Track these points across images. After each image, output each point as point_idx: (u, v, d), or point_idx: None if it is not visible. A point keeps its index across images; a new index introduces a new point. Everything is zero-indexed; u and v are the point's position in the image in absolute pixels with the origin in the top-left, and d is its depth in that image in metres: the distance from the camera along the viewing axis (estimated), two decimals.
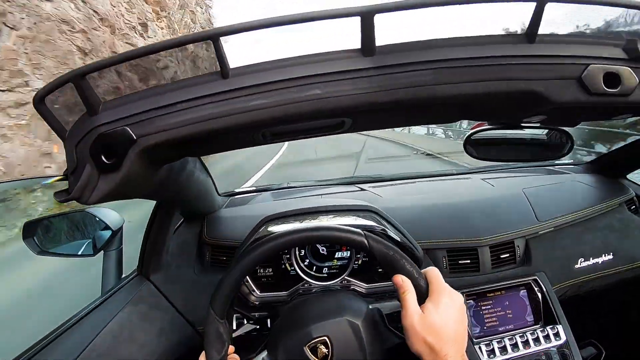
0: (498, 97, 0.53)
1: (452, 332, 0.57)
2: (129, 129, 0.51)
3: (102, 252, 1.13)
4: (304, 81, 0.50)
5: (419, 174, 1.52)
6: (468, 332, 0.95)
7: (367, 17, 0.47)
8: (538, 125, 0.91)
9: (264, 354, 0.65)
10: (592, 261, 1.13)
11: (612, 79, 0.50)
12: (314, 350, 0.61)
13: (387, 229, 0.92)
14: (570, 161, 1.56)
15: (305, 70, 0.50)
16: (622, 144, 1.34)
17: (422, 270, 0.64)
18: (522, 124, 0.88)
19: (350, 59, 0.50)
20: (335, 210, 0.99)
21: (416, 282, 0.61)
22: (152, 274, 1.06)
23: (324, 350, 0.61)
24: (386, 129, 0.83)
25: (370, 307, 0.66)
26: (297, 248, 0.98)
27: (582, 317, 1.21)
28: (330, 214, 0.98)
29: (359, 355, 0.61)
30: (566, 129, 0.97)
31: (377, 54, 0.50)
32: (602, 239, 1.16)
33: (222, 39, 0.49)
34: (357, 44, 0.51)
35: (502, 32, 0.54)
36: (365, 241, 0.62)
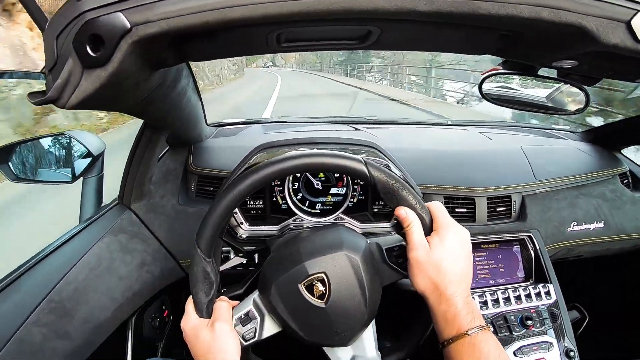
0: (543, 27, 0.49)
1: (458, 269, 0.55)
2: (122, 15, 0.43)
3: (81, 178, 1.06)
4: None
5: (415, 120, 1.49)
6: None
7: None
8: (555, 77, 0.88)
9: (255, 294, 0.61)
10: (584, 226, 1.13)
11: None
12: (310, 288, 0.57)
13: (389, 165, 0.88)
14: (567, 127, 1.55)
15: None
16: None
17: (426, 204, 0.60)
18: (540, 73, 0.84)
19: None
20: (334, 143, 0.94)
21: (420, 214, 0.58)
22: (133, 203, 0.99)
23: (321, 287, 0.56)
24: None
25: (368, 241, 0.62)
26: (290, 180, 0.94)
27: (568, 281, 1.21)
28: (329, 145, 0.93)
29: (357, 293, 0.57)
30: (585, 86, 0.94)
31: None
32: (595, 206, 1.16)
33: None
34: None
35: None
36: (366, 169, 0.58)
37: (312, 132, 1.27)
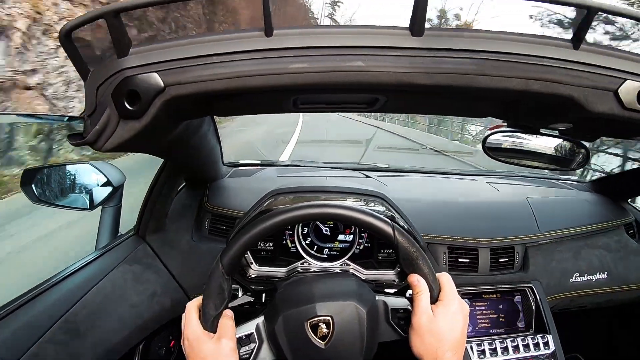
0: (535, 97, 0.53)
1: (455, 339, 0.58)
2: (157, 76, 0.49)
3: (99, 207, 1.11)
4: (348, 51, 0.49)
5: (425, 169, 1.52)
6: None
7: None
8: (557, 135, 0.91)
9: (260, 319, 0.64)
10: (586, 277, 1.14)
11: None
12: (315, 328, 0.59)
13: (395, 217, 0.91)
14: (575, 178, 1.57)
15: (351, 41, 0.49)
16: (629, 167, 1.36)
17: (437, 274, 0.64)
18: (542, 131, 0.88)
19: (397, 36, 0.49)
20: (343, 192, 0.98)
21: (431, 284, 0.61)
22: (149, 235, 1.04)
23: (325, 330, 0.59)
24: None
25: (377, 297, 0.65)
26: (300, 225, 0.97)
27: (569, 331, 1.22)
28: (339, 194, 0.97)
29: (357, 343, 0.60)
30: (584, 143, 0.97)
31: (425, 36, 0.49)
32: (599, 257, 1.17)
33: None
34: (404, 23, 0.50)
35: (549, 34, 0.54)
36: (392, 232, 0.62)
37: (324, 177, 1.31)
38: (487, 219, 1.13)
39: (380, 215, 0.63)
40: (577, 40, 0.50)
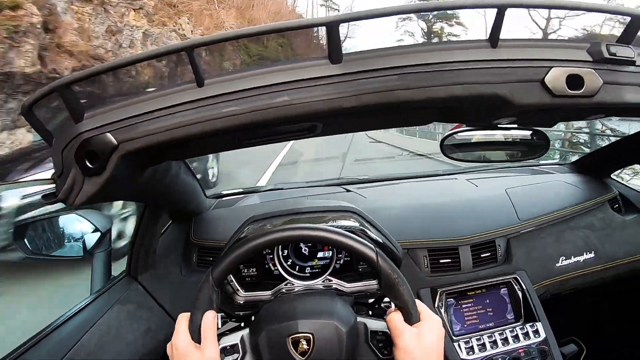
0: (463, 101, 0.55)
1: (438, 357, 0.61)
2: (110, 135, 0.54)
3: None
4: (274, 89, 0.53)
5: (405, 174, 1.54)
6: (448, 330, 0.97)
7: (332, 27, 0.50)
8: (515, 126, 0.93)
9: (245, 331, 0.66)
10: (573, 260, 1.15)
11: (575, 80, 0.52)
12: (296, 344, 0.62)
13: (366, 229, 0.94)
14: (555, 161, 1.58)
15: (274, 78, 0.53)
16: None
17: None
18: (499, 125, 0.90)
19: (318, 66, 0.53)
20: (316, 211, 1.01)
21: (410, 309, 0.63)
22: (140, 275, 1.08)
23: (305, 346, 0.62)
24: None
25: (358, 319, 0.67)
26: (280, 247, 1.00)
27: (565, 315, 1.23)
28: (312, 214, 1.00)
29: None
30: (542, 129, 0.99)
31: (344, 62, 0.52)
32: (583, 237, 1.18)
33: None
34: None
35: (466, 38, 0.57)
36: (375, 258, 0.64)
37: (305, 197, 1.34)
38: (466, 216, 1.15)
39: (364, 241, 0.65)
40: (494, 39, 0.52)
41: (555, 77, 0.52)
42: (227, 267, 0.64)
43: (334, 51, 0.52)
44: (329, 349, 0.62)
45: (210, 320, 0.63)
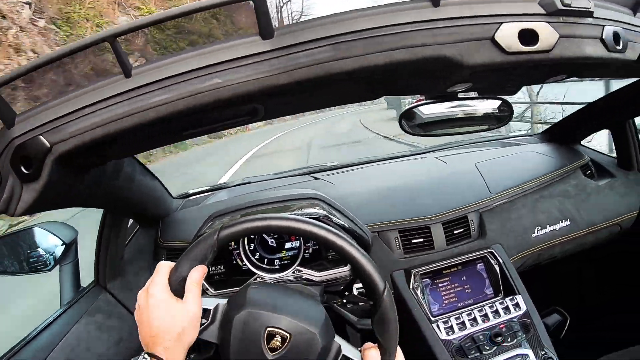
0: (407, 66, 0.51)
1: None
2: (42, 138, 0.51)
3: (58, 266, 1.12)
4: (204, 71, 0.49)
5: (373, 158, 1.52)
6: (427, 312, 0.95)
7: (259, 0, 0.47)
8: (476, 96, 0.91)
9: (223, 302, 0.62)
10: (549, 229, 1.14)
11: (528, 36, 0.49)
12: (270, 337, 0.58)
13: (331, 216, 0.91)
14: (525, 132, 1.56)
15: (204, 61, 0.50)
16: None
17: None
18: (459, 95, 0.88)
19: (249, 44, 0.49)
20: (280, 201, 0.98)
21: (392, 353, 0.61)
22: (108, 283, 1.04)
23: (278, 343, 0.58)
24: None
25: (336, 340, 0.63)
26: (246, 242, 0.98)
27: (546, 285, 1.22)
28: (276, 204, 0.97)
29: None
30: (506, 97, 0.97)
31: (276, 36, 0.49)
32: (558, 206, 1.17)
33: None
34: None
35: None
36: (382, 290, 0.59)
37: (272, 189, 1.31)
38: (436, 194, 1.13)
39: (377, 270, 0.60)
40: None
41: (507, 33, 0.48)
42: (237, 232, 0.59)
43: (264, 26, 0.48)
44: (299, 355, 0.59)
45: (199, 275, 0.58)
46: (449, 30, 0.48)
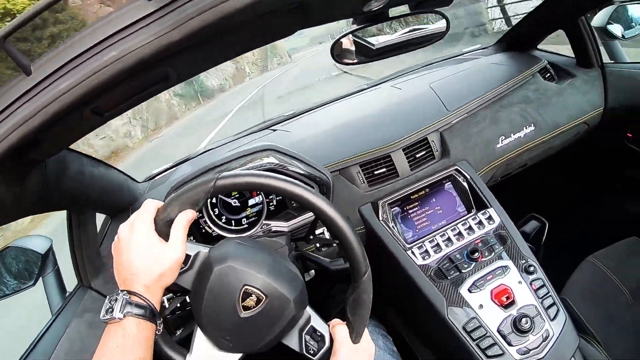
0: None
1: None
2: None
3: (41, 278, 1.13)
4: (98, 47, 0.48)
5: (329, 99, 1.48)
6: (400, 240, 0.95)
7: None
8: (407, 12, 0.88)
9: (205, 250, 0.61)
10: (514, 137, 1.13)
11: None
12: (246, 295, 0.57)
13: (286, 164, 0.90)
14: (478, 46, 1.52)
15: (97, 36, 0.48)
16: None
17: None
18: (390, 17, 0.85)
19: (136, 9, 0.48)
20: (233, 159, 0.97)
21: (359, 331, 0.62)
22: (92, 281, 1.05)
23: (252, 303, 0.57)
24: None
25: (307, 310, 0.63)
26: (209, 208, 0.97)
27: (520, 195, 1.21)
28: (229, 164, 0.96)
29: (268, 330, 0.59)
30: (440, 9, 0.93)
31: None
32: (519, 112, 1.15)
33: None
34: None
35: None
36: (364, 271, 0.59)
37: (232, 150, 1.29)
38: (393, 121, 1.11)
39: (363, 253, 0.59)
40: None
41: None
42: (232, 183, 0.56)
43: None
44: (271, 317, 0.58)
45: (188, 219, 0.56)
46: None
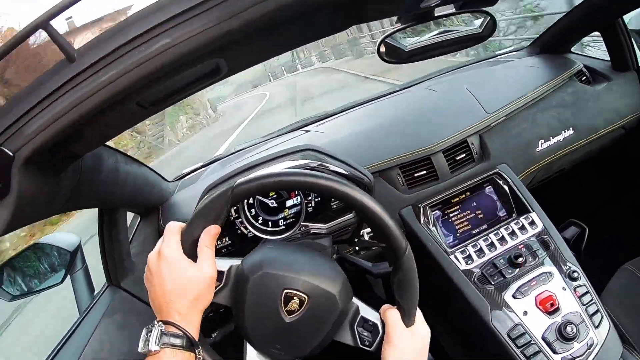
0: None
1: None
2: (3, 148, 0.48)
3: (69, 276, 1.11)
4: (149, 34, 0.45)
5: (361, 100, 1.46)
6: (442, 244, 0.93)
7: None
8: (453, 12, 0.85)
9: (236, 262, 0.59)
10: (553, 140, 1.10)
11: None
12: (287, 299, 0.56)
13: (325, 164, 0.88)
14: (511, 48, 1.50)
15: (148, 22, 0.45)
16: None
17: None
18: (436, 16, 0.83)
19: None
20: (272, 159, 0.95)
21: (412, 312, 0.59)
22: (121, 281, 1.03)
23: (296, 305, 0.56)
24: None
25: (354, 301, 0.61)
26: (246, 209, 0.95)
27: (559, 199, 1.18)
28: (268, 163, 0.94)
29: (317, 331, 0.57)
30: (486, 9, 0.91)
31: None
32: (557, 116, 1.13)
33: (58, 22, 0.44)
34: None
35: None
36: (404, 249, 0.56)
37: (265, 151, 1.27)
38: (431, 123, 1.09)
39: (399, 230, 0.57)
40: None
41: None
42: (250, 187, 0.54)
43: None
44: (318, 318, 0.57)
45: (212, 235, 0.54)
46: None
